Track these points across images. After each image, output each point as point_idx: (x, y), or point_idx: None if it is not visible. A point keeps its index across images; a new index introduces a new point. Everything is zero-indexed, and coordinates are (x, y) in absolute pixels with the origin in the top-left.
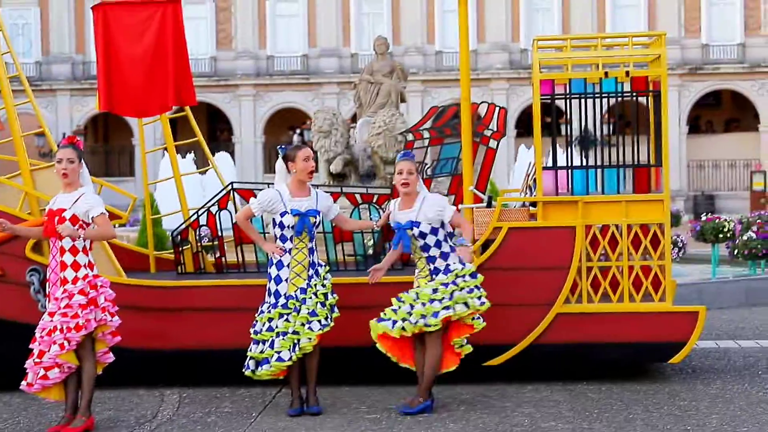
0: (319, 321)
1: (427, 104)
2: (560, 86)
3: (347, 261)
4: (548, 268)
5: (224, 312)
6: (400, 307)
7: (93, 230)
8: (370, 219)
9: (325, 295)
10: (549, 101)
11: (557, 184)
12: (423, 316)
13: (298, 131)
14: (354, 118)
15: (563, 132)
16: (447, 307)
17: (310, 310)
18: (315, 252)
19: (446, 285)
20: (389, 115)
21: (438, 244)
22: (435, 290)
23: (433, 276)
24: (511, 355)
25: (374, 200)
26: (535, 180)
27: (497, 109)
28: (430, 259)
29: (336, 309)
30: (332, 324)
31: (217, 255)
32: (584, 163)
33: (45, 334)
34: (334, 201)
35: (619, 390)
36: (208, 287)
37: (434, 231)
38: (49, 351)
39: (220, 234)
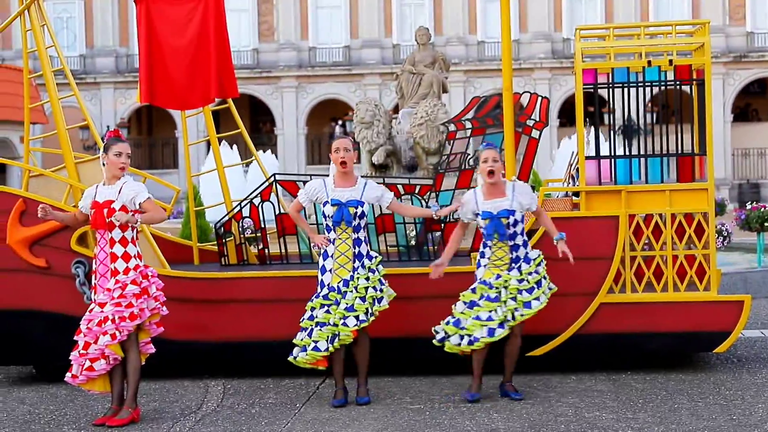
0: (357, 317)
1: (469, 94)
2: (603, 75)
3: (390, 252)
4: (592, 257)
5: (267, 303)
6: (478, 317)
7: (146, 215)
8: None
9: (367, 288)
10: (592, 90)
11: (600, 174)
12: (516, 309)
13: (340, 122)
14: (396, 109)
15: (606, 121)
16: (537, 298)
17: (348, 305)
18: (363, 243)
19: (531, 274)
20: (431, 106)
21: (522, 232)
22: (521, 281)
23: (514, 264)
24: (555, 346)
25: (416, 191)
26: (577, 169)
27: (539, 99)
28: (515, 248)
29: (384, 301)
30: (372, 318)
31: (260, 246)
32: (627, 152)
33: (95, 325)
34: None
35: (664, 380)
36: (251, 279)
37: (522, 219)
38: (96, 342)
39: (263, 225)
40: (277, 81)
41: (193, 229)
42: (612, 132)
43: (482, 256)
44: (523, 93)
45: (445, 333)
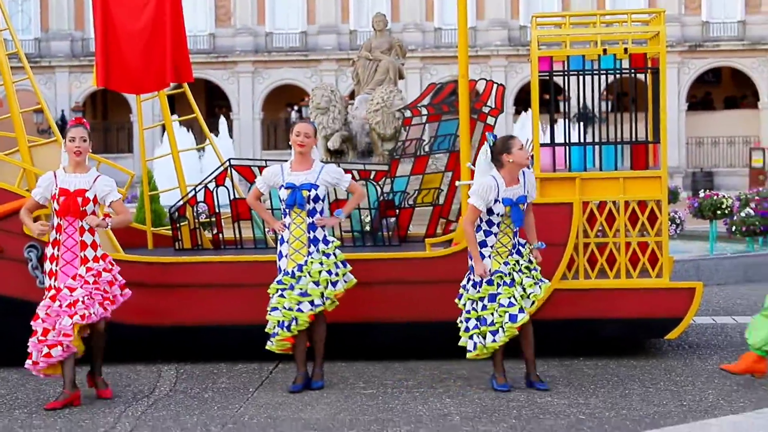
0: (311, 302)
1: (425, 81)
2: (558, 63)
3: (344, 237)
4: (546, 243)
5: (221, 288)
6: (494, 314)
7: (116, 218)
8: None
9: (320, 272)
10: (547, 78)
11: (555, 161)
12: (532, 290)
13: (296, 108)
14: (352, 95)
15: (561, 109)
16: (542, 279)
17: (302, 290)
18: (319, 228)
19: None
20: (387, 92)
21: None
22: (529, 260)
23: (513, 251)
24: None
25: (372, 177)
26: (532, 156)
27: (495, 86)
28: (516, 234)
29: (339, 285)
30: (330, 302)
31: (215, 231)
32: (582, 140)
33: (63, 307)
34: None
35: (616, 366)
36: (205, 263)
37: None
38: (60, 325)
39: (217, 210)
40: (234, 66)
41: (147, 214)
42: (567, 120)
43: (483, 246)
44: (479, 80)
45: (472, 340)
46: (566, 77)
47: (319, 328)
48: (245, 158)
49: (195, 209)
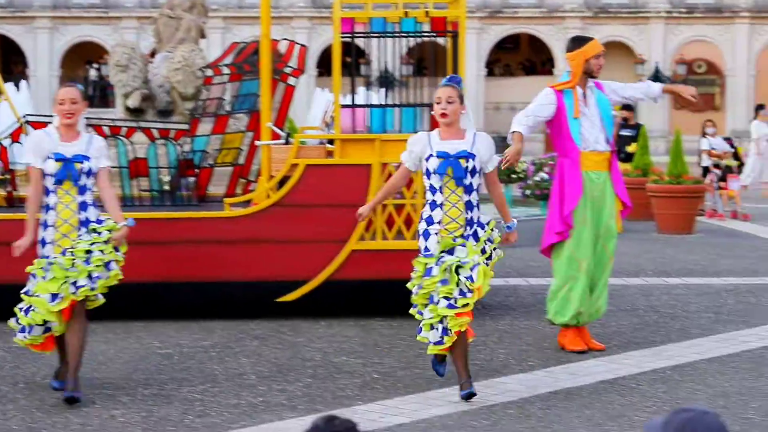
0: (74, 282)
1: (227, 41)
2: (360, 25)
3: (143, 197)
4: (344, 205)
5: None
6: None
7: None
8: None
9: (90, 252)
10: (349, 39)
11: (355, 123)
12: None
13: (95, 66)
14: (153, 54)
15: (363, 71)
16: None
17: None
18: (92, 206)
19: (487, 242)
20: (189, 51)
21: (478, 190)
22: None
23: (468, 229)
24: (305, 291)
25: (171, 135)
26: (333, 118)
27: (297, 46)
28: (469, 206)
29: (114, 267)
30: (93, 287)
31: (9, 189)
32: (382, 102)
33: None
34: (131, 136)
35: (411, 326)
36: None
37: (480, 175)
38: None
39: (11, 168)
40: (31, 21)
41: None
42: (368, 81)
43: (429, 222)
44: (281, 40)
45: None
46: (368, 39)
47: (75, 329)
48: (42, 114)
49: None
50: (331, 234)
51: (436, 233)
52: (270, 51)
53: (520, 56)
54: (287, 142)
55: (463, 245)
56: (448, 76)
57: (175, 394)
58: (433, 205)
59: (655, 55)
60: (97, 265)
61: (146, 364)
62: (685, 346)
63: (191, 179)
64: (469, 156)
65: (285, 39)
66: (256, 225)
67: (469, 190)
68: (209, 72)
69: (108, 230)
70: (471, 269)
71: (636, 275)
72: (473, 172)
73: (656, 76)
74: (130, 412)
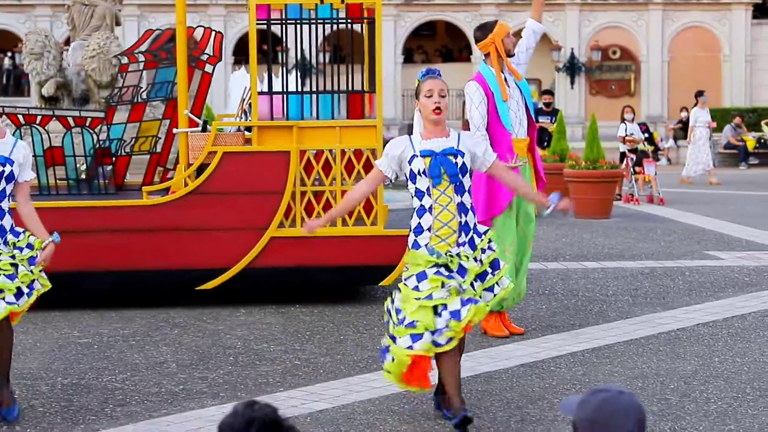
0: (3, 298)
1: (143, 28)
2: (276, 12)
3: (59, 185)
4: (263, 192)
5: None
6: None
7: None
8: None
9: (15, 266)
10: (265, 26)
11: (272, 109)
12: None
13: (9, 54)
14: (68, 42)
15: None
16: (498, 284)
17: None
18: (7, 215)
19: (485, 251)
20: (104, 38)
21: (470, 191)
22: (476, 260)
23: (464, 235)
24: (225, 279)
25: (87, 124)
26: (250, 105)
27: (213, 33)
28: (462, 209)
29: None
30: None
31: None
32: (299, 89)
33: None
34: (46, 125)
35: (331, 312)
36: None
37: (470, 173)
38: None
39: None
40: None
41: None
42: (285, 69)
43: (418, 232)
44: (197, 27)
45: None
46: (284, 26)
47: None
48: None
49: None
50: (250, 221)
51: (426, 244)
52: (186, 38)
53: (437, 43)
54: (204, 130)
55: (464, 269)
56: (425, 69)
57: (95, 384)
58: (422, 210)
59: (570, 41)
60: (22, 282)
61: (65, 354)
62: (603, 329)
63: (108, 167)
64: (457, 153)
65: (201, 26)
66: (175, 213)
67: (461, 190)
68: (125, 59)
69: (30, 246)
70: (463, 303)
71: (554, 259)
72: (464, 170)
73: (572, 63)
74: (50, 401)
